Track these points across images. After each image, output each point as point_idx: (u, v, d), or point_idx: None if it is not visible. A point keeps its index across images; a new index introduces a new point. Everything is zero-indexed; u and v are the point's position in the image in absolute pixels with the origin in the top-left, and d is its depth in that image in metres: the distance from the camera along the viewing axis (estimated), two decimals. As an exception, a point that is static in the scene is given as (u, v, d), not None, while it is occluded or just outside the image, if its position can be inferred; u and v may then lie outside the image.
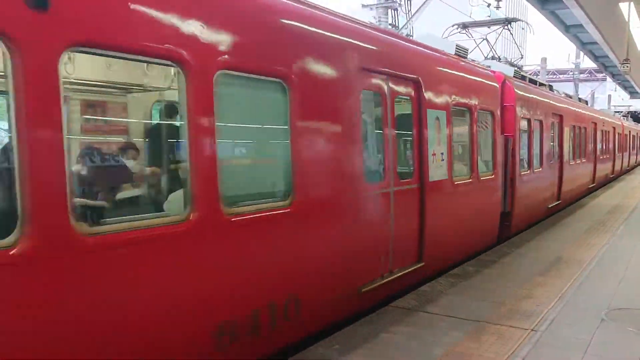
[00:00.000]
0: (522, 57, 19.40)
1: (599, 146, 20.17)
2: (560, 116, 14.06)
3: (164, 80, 5.01)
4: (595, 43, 24.35)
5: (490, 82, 9.45)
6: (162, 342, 3.66)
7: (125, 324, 3.42)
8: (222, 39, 4.03)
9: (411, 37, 13.32)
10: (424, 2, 14.89)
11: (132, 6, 3.36)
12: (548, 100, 13.25)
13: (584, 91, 44.25)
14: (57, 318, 3.04)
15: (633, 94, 47.82)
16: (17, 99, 2.88)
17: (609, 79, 43.57)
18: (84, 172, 4.02)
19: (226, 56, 4.03)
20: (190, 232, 3.78)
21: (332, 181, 5.32)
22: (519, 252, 9.02)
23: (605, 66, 34.36)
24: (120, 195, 4.19)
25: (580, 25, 20.55)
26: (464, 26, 14.63)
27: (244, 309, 4.28)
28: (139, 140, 5.12)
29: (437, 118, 7.26)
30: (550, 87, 15.07)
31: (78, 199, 3.40)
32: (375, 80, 6.05)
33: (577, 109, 17.04)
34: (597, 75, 54.83)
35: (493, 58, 13.96)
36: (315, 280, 5.11)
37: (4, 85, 2.94)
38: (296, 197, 4.74)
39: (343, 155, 5.43)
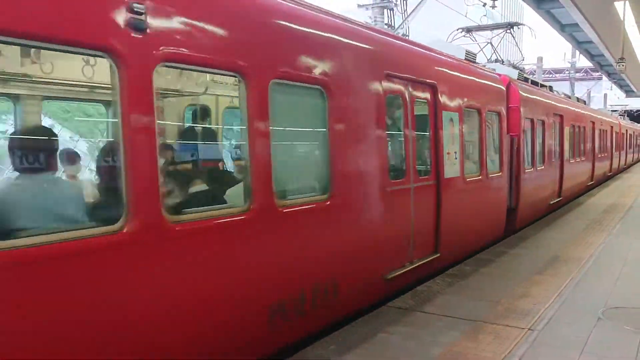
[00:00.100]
0: (523, 59, 19.80)
1: (597, 145, 20.57)
2: (561, 116, 14.53)
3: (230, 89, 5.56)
4: (591, 42, 24.40)
5: (497, 85, 9.93)
6: (229, 318, 4.17)
7: (203, 299, 3.93)
8: (275, 53, 4.62)
9: (406, 37, 13.33)
10: (420, 2, 14.89)
11: (207, 29, 3.99)
12: (549, 101, 13.72)
13: (580, 90, 44.32)
14: (151, 289, 3.58)
15: (629, 92, 47.96)
16: (122, 106, 3.41)
17: (604, 77, 43.67)
18: (170, 169, 4.56)
19: (278, 67, 4.62)
20: (250, 221, 4.32)
21: (363, 178, 5.85)
22: (516, 251, 9.03)
23: (601, 65, 34.44)
24: (194, 189, 4.72)
25: (576, 25, 20.60)
26: (468, 30, 15.10)
27: (293, 291, 4.81)
28: (208, 142, 5.70)
29: (451, 119, 7.80)
30: (550, 88, 15.40)
31: (167, 193, 3.91)
32: (398, 86, 6.56)
33: (576, 109, 17.46)
34: (593, 74, 55.00)
35: (496, 61, 14.37)
36: (349, 267, 5.60)
37: (111, 95, 3.51)
38: (333, 191, 5.29)
39: (372, 154, 5.97)
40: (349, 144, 5.57)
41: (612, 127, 25.40)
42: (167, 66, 3.83)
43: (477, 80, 9.21)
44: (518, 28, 15.57)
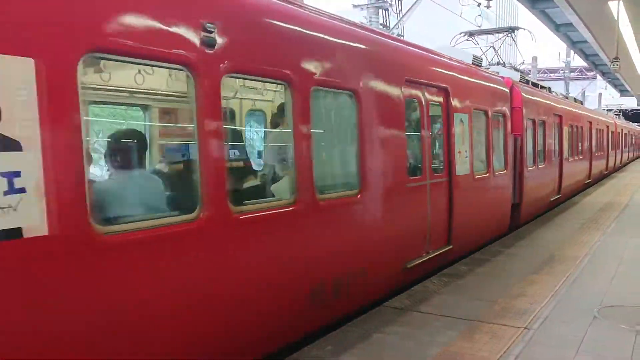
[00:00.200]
0: (523, 62, 20.30)
1: (594, 144, 21.04)
2: (560, 116, 15.09)
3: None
4: (585, 42, 24.51)
5: (501, 88, 10.49)
6: (280, 298, 4.71)
7: (260, 279, 4.49)
8: (315, 63, 5.17)
9: (401, 37, 13.35)
10: (415, 2, 14.91)
11: (262, 45, 4.56)
12: (549, 102, 14.25)
13: (575, 89, 44.45)
14: (219, 269, 4.12)
15: (623, 92, 48.16)
16: (198, 111, 3.95)
17: (599, 77, 43.83)
18: (233, 167, 4.94)
19: (316, 77, 5.16)
20: (296, 213, 4.85)
21: (387, 175, 6.38)
22: (512, 250, 9.05)
23: (595, 64, 34.59)
24: (249, 184, 5.23)
25: (571, 24, 20.68)
26: (470, 34, 15.63)
27: (331, 276, 5.34)
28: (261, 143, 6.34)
29: (461, 120, 8.38)
30: (549, 89, 15.78)
31: (231, 187, 4.38)
32: (416, 91, 7.15)
33: (574, 109, 17.99)
34: (588, 73, 55.18)
35: (498, 64, 14.85)
36: (376, 255, 6.14)
37: (188, 103, 4.10)
38: (362, 187, 5.82)
39: (394, 153, 6.51)
40: (375, 144, 6.09)
41: (608, 126, 25.75)
42: (231, 77, 4.43)
43: (484, 83, 9.74)
44: (517, 31, 15.91)
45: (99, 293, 3.25)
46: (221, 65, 4.11)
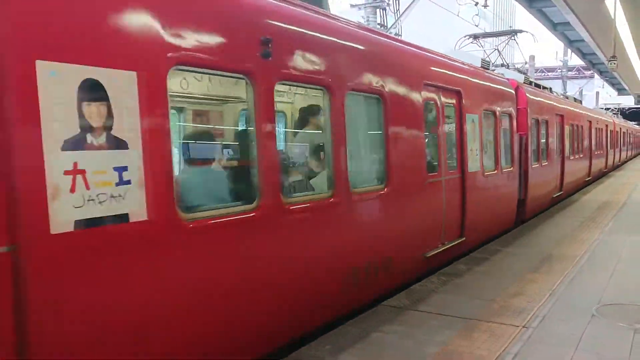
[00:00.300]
0: (525, 63, 20.68)
1: (593, 143, 21.52)
2: (562, 116, 15.55)
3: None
4: (582, 41, 24.55)
5: (507, 89, 11.01)
6: (323, 280, 5.31)
7: (307, 260, 5.06)
8: (350, 71, 5.74)
9: (399, 36, 13.35)
10: (412, 2, 14.91)
11: (308, 55, 5.12)
12: (551, 102, 14.76)
13: (572, 88, 44.47)
14: (274, 251, 4.66)
15: (620, 90, 48.25)
16: (256, 114, 4.50)
17: (596, 76, 43.88)
18: (283, 163, 5.42)
19: (350, 82, 5.72)
20: (333, 204, 5.44)
21: (409, 171, 6.91)
22: (510, 249, 9.05)
23: (592, 63, 34.64)
24: (294, 179, 5.65)
25: (568, 23, 20.71)
26: (475, 37, 16.12)
27: (364, 261, 5.94)
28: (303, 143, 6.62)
29: (473, 120, 8.93)
30: (551, 90, 16.12)
31: (282, 181, 4.95)
32: (433, 94, 7.68)
33: (574, 109, 18.42)
34: (585, 72, 55.22)
35: (502, 65, 15.29)
36: (400, 245, 6.73)
37: (247, 107, 4.65)
38: (388, 182, 6.35)
39: (415, 151, 7.04)
40: (399, 143, 6.62)
41: (607, 125, 26.09)
42: (283, 83, 4.99)
43: (492, 85, 10.27)
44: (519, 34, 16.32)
45: (184, 268, 3.82)
46: (274, 73, 4.68)
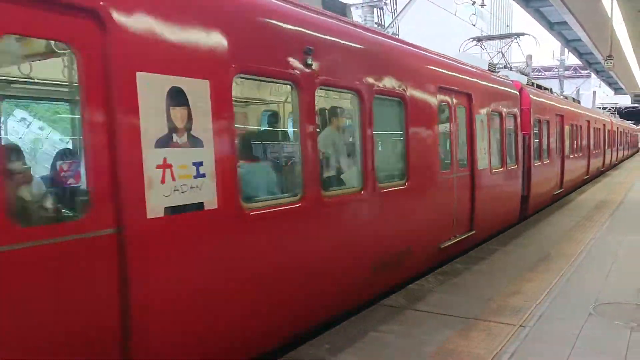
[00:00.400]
0: (527, 65, 21.14)
1: (592, 142, 22.05)
2: (562, 116, 16.18)
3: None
4: (579, 40, 24.59)
5: (512, 91, 11.56)
6: (352, 267, 5.83)
7: (341, 246, 5.64)
8: (376, 78, 6.22)
9: (396, 35, 13.37)
10: (410, 1, 14.92)
11: (342, 63, 5.71)
12: (552, 103, 15.30)
13: (569, 88, 44.52)
14: (312, 239, 5.24)
15: (617, 90, 48.32)
16: (300, 116, 5.06)
17: (593, 75, 43.93)
18: (322, 160, 5.76)
19: (377, 86, 6.22)
20: (363, 198, 6.00)
21: (426, 169, 7.47)
22: (507, 248, 9.08)
23: (589, 63, 34.71)
24: (329, 174, 6.08)
25: (565, 23, 20.74)
26: (479, 39, 16.64)
27: (387, 251, 6.48)
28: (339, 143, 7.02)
29: (481, 121, 9.46)
30: (551, 90, 16.55)
31: (321, 176, 5.46)
32: (446, 96, 8.19)
33: (574, 109, 18.95)
34: (582, 72, 55.26)
35: (505, 67, 15.66)
36: (419, 236, 7.32)
37: (292, 107, 5.33)
38: (408, 178, 6.89)
39: (431, 150, 7.58)
40: (417, 142, 7.18)
41: (604, 125, 26.53)
42: (321, 89, 5.43)
43: (499, 87, 10.83)
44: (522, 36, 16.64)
45: (245, 250, 4.38)
46: (315, 80, 5.20)
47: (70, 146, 5.26)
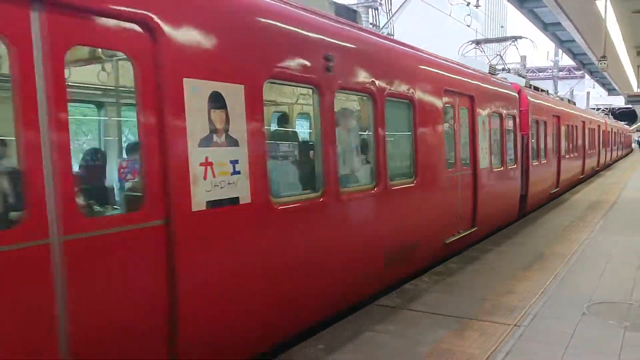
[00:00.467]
0: (524, 67, 21.44)
1: (587, 142, 22.50)
2: (558, 117, 16.47)
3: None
4: (573, 41, 24.63)
5: (511, 93, 11.92)
6: (365, 258, 6.15)
7: (356, 239, 5.99)
8: (387, 81, 6.54)
9: (391, 36, 13.41)
10: (404, 2, 14.93)
11: (359, 69, 6.03)
12: (549, 104, 15.74)
13: (563, 89, 44.66)
14: (329, 230, 5.54)
15: (611, 91, 48.45)
16: (321, 119, 5.40)
17: (587, 76, 44.07)
18: (339, 159, 5.99)
19: (388, 89, 6.56)
20: (376, 195, 6.35)
21: (433, 167, 7.82)
22: (501, 248, 9.11)
23: (583, 64, 34.78)
24: (345, 172, 6.27)
25: (559, 24, 20.78)
26: (477, 42, 17.08)
27: (395, 245, 6.78)
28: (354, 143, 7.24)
29: (483, 122, 9.87)
30: (547, 92, 16.93)
31: (339, 174, 5.73)
32: (451, 98, 8.54)
33: (570, 110, 19.39)
34: (576, 72, 55.47)
35: (503, 70, 16.04)
36: (426, 231, 7.64)
37: (310, 110, 5.77)
38: (417, 177, 7.25)
39: (437, 149, 7.91)
40: (425, 142, 7.52)
41: (599, 125, 26.99)
42: (339, 92, 5.71)
43: (499, 90, 11.16)
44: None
45: (274, 241, 4.73)
46: (335, 84, 5.53)
47: (129, 145, 5.69)
